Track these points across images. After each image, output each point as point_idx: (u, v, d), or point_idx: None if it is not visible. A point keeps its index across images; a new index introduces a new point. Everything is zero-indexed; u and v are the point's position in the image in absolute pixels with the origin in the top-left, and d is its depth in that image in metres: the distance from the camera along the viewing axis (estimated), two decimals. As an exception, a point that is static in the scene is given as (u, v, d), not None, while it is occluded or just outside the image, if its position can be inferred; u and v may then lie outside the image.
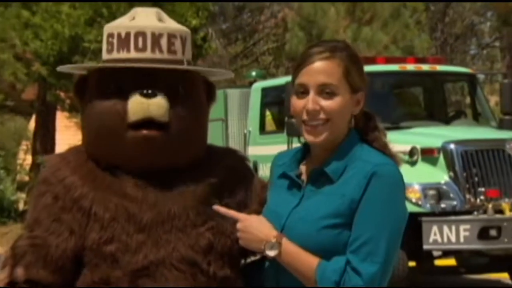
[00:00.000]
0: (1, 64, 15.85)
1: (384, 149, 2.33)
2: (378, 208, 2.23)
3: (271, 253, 2.24)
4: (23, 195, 18.71)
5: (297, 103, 2.30)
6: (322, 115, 2.27)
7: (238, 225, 2.30)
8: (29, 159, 20.12)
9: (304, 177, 2.35)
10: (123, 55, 2.35)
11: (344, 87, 2.29)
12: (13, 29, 15.63)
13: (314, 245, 2.23)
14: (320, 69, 2.27)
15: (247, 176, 2.48)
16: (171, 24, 2.41)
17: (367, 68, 10.98)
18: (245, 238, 2.29)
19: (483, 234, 8.95)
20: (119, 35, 2.36)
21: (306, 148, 2.39)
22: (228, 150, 2.57)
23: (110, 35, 2.39)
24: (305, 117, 2.28)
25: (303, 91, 2.29)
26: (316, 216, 2.25)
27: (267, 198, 2.41)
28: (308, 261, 2.23)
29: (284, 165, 2.39)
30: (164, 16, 2.44)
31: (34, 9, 15.52)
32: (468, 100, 12.05)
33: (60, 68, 2.76)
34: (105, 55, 2.40)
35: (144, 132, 2.31)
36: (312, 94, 2.27)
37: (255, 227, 2.28)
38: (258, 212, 2.39)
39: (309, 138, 2.30)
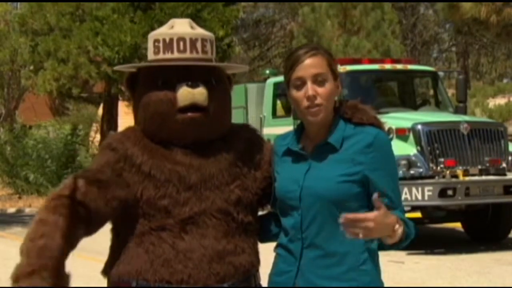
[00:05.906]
0: (79, 65, 15.87)
1: (373, 121, 2.30)
2: (389, 167, 2.29)
3: (400, 230, 2.19)
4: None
5: (297, 94, 2.26)
6: (318, 100, 2.24)
7: (370, 224, 2.08)
8: (97, 137, 20.22)
9: (307, 150, 2.32)
10: (168, 56, 2.31)
11: (329, 75, 2.26)
12: (87, 39, 15.63)
13: (332, 196, 2.23)
14: (312, 63, 2.25)
15: (259, 143, 2.45)
16: (201, 31, 2.37)
17: (355, 67, 10.83)
18: (377, 230, 2.10)
19: (442, 193, 8.93)
20: (164, 40, 2.32)
21: (301, 129, 2.36)
22: (243, 125, 2.51)
23: (156, 41, 2.34)
24: (306, 103, 2.24)
25: (300, 84, 2.25)
26: (333, 174, 2.24)
27: (275, 170, 2.37)
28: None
29: (286, 144, 2.36)
30: (194, 24, 2.40)
31: (104, 21, 15.52)
32: (431, 91, 11.93)
33: (116, 68, 2.78)
34: (151, 56, 2.35)
35: (190, 114, 2.28)
36: (309, 83, 2.24)
37: (382, 221, 2.11)
38: (268, 170, 2.37)
39: (311, 119, 2.26)
